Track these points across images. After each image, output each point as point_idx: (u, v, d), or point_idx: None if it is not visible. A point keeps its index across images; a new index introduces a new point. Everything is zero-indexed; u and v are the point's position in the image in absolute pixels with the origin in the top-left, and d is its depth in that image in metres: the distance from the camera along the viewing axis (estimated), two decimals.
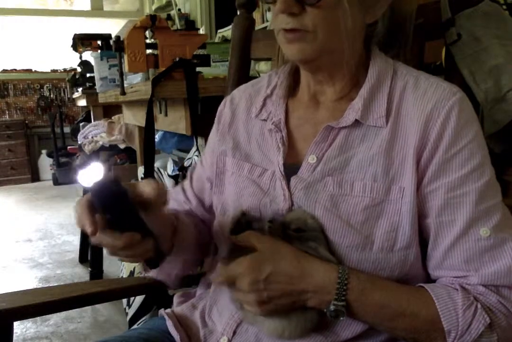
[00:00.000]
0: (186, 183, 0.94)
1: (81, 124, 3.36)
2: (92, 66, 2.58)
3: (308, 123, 0.77)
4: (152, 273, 0.87)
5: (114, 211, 0.55)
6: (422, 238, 0.70)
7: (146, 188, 0.67)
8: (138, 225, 0.58)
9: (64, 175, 5.52)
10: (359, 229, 0.67)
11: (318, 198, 0.70)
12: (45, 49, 5.71)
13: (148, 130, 1.45)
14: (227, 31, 3.05)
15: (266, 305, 0.66)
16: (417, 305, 0.64)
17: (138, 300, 1.69)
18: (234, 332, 0.75)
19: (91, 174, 0.58)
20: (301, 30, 0.68)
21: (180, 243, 0.81)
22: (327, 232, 0.68)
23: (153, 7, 4.70)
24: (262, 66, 1.74)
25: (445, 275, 0.68)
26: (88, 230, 0.63)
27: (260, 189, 0.76)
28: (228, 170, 0.82)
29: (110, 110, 3.20)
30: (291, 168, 0.74)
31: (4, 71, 5.69)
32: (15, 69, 5.75)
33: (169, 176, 1.79)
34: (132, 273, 1.85)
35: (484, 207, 0.66)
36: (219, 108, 0.90)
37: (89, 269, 2.64)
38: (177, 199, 0.92)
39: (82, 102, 3.36)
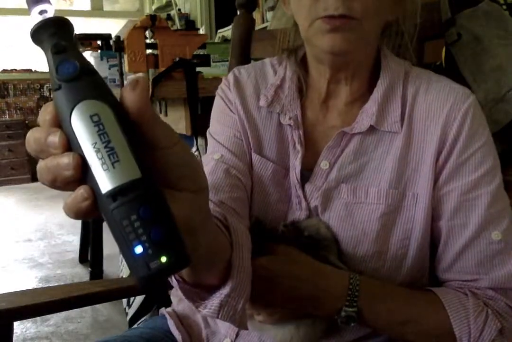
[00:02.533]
0: (214, 158, 0.73)
1: None
2: None
3: (318, 126, 0.75)
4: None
5: None
6: (431, 241, 0.69)
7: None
8: None
9: None
10: (374, 237, 0.67)
11: (332, 207, 0.69)
12: None
13: None
14: (227, 31, 3.05)
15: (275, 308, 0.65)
16: (428, 309, 0.64)
17: (138, 300, 1.69)
18: (237, 334, 0.74)
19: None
20: (348, 17, 0.63)
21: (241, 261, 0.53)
22: (342, 242, 0.68)
23: (153, 7, 4.71)
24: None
25: (455, 278, 0.68)
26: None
27: (285, 194, 0.73)
28: (253, 168, 0.75)
29: None
30: (302, 172, 0.72)
31: (4, 71, 5.69)
32: (15, 69, 5.75)
33: None
34: None
35: (495, 210, 0.66)
36: (223, 88, 0.80)
37: (89, 269, 2.64)
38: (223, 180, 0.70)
39: None
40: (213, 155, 0.74)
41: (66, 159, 0.32)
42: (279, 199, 0.73)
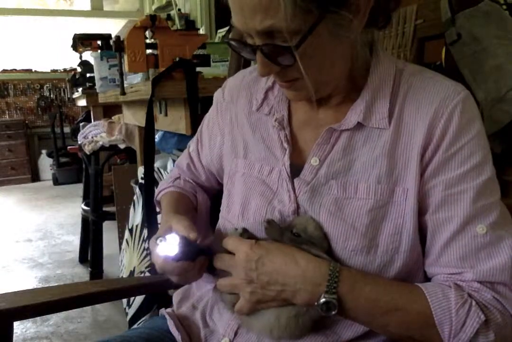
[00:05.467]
0: (194, 154, 0.95)
1: (81, 124, 3.35)
2: (92, 66, 2.58)
3: (309, 124, 0.77)
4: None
5: (187, 258, 0.71)
6: (422, 236, 0.70)
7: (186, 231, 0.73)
8: (203, 253, 0.74)
9: (64, 175, 5.52)
10: (364, 231, 0.67)
11: (322, 202, 0.70)
12: (45, 49, 5.71)
13: (148, 130, 1.45)
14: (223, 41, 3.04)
15: (254, 287, 0.66)
16: (409, 299, 0.64)
17: (138, 300, 1.69)
18: (235, 333, 0.75)
19: (169, 244, 0.69)
20: (291, 80, 0.68)
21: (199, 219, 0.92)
22: (332, 236, 0.68)
23: (153, 7, 4.70)
24: None
25: (440, 272, 0.68)
26: (172, 275, 0.75)
27: (269, 188, 0.76)
28: (239, 171, 0.81)
29: (110, 110, 3.20)
30: (293, 169, 0.74)
31: (4, 71, 5.69)
32: (15, 69, 5.75)
33: None
34: (132, 273, 1.85)
35: (481, 205, 0.66)
36: (217, 98, 0.89)
37: (89, 269, 2.64)
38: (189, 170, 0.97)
39: (82, 102, 3.36)
40: (190, 148, 0.97)
41: None
42: (262, 193, 0.76)
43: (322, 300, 0.63)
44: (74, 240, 3.34)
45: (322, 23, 0.60)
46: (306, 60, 0.63)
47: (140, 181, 1.91)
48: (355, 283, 0.64)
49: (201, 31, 3.50)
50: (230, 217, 0.80)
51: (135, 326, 1.57)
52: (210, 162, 0.91)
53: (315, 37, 0.61)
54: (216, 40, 2.95)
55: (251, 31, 0.63)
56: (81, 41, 2.25)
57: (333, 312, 0.63)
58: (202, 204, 0.93)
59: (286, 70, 0.66)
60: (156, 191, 0.98)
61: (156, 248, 0.70)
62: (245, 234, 0.73)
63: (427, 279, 0.71)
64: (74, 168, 5.50)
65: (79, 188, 3.91)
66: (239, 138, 0.83)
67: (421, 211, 0.68)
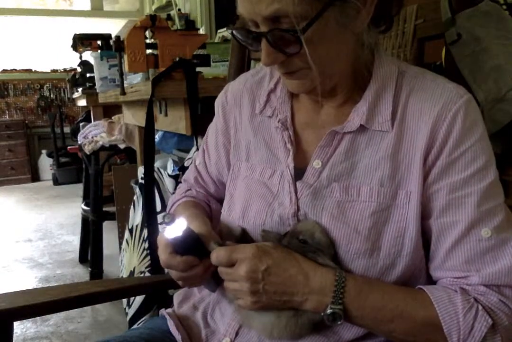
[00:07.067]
0: (195, 163, 0.94)
1: (81, 124, 3.35)
2: (92, 66, 2.58)
3: (311, 126, 0.76)
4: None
5: (193, 252, 0.72)
6: (425, 240, 0.70)
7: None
8: (207, 252, 0.72)
9: (64, 175, 5.52)
10: (366, 235, 0.67)
11: (325, 205, 0.70)
12: (45, 49, 5.71)
13: (148, 130, 1.45)
14: (227, 31, 3.04)
15: (258, 297, 0.65)
16: (415, 306, 0.64)
17: (138, 300, 1.69)
18: (237, 333, 0.75)
19: (176, 227, 0.68)
20: (293, 71, 0.68)
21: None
22: (335, 240, 0.68)
23: (153, 7, 4.70)
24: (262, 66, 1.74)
25: (446, 275, 0.68)
26: (176, 270, 0.73)
27: (269, 190, 0.75)
28: (241, 174, 0.81)
29: (110, 110, 3.20)
30: (295, 171, 0.74)
31: (4, 71, 5.69)
32: (15, 69, 5.75)
33: (169, 175, 1.79)
34: (132, 273, 1.85)
35: (486, 208, 0.66)
36: (220, 103, 0.88)
37: (89, 269, 2.64)
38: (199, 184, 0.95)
39: (82, 102, 3.36)
40: (196, 162, 0.94)
41: None
42: (263, 195, 0.75)
43: (329, 311, 0.63)
44: (74, 240, 3.34)
45: (329, 9, 0.61)
46: (312, 48, 0.63)
47: (140, 181, 1.91)
48: (361, 291, 0.64)
49: (201, 31, 3.50)
50: (231, 220, 0.79)
51: (135, 326, 1.57)
52: (222, 171, 0.89)
53: (321, 24, 0.61)
54: (216, 40, 2.95)
55: (257, 18, 0.62)
56: (81, 41, 2.26)
57: (339, 322, 0.63)
58: (216, 213, 0.90)
59: (290, 59, 0.66)
60: (168, 204, 0.96)
61: (164, 232, 0.69)
62: (243, 235, 0.73)
63: (429, 282, 0.71)
64: (74, 168, 5.50)
65: (79, 188, 3.91)
66: (242, 141, 0.83)
67: (425, 214, 0.68)
